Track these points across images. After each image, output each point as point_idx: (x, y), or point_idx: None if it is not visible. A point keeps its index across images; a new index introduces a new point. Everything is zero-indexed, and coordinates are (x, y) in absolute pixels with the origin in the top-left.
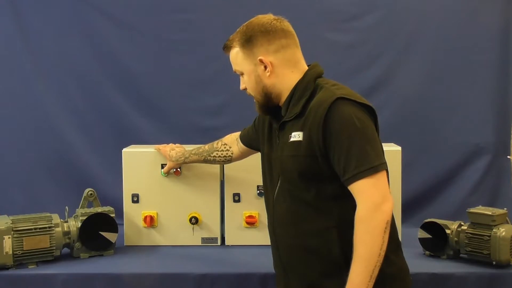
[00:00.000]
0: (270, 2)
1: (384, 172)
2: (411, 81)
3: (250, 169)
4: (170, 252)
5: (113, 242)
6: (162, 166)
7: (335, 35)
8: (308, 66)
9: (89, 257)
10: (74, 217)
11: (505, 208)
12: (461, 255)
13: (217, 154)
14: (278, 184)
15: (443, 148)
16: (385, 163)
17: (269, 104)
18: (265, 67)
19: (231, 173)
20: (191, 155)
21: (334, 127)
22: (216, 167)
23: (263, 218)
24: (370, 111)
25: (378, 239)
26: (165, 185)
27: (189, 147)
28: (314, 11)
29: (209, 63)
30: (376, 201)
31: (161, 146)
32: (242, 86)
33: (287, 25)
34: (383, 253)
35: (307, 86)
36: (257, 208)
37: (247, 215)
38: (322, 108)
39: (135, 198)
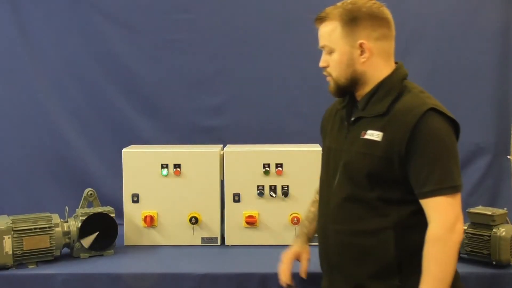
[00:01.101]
0: (270, 2)
1: (460, 194)
2: (411, 81)
3: (250, 169)
4: (170, 252)
5: (113, 242)
6: (162, 166)
7: None
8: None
9: (89, 257)
10: (74, 217)
11: (505, 208)
12: (461, 255)
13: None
14: (337, 179)
15: None
16: (462, 185)
17: (349, 89)
18: (362, 53)
19: (231, 173)
20: (310, 223)
21: (422, 137)
22: (216, 167)
23: (263, 218)
24: (456, 127)
25: (453, 259)
26: (165, 185)
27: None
28: (314, 11)
29: (209, 63)
30: (451, 221)
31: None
32: (323, 64)
33: (390, 15)
34: (454, 273)
35: (394, 86)
36: (257, 208)
37: (247, 215)
38: (412, 115)
39: (135, 198)
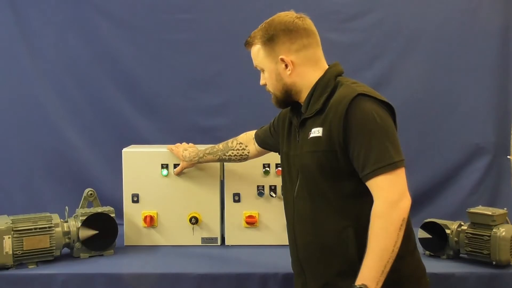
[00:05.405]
0: (270, 2)
1: (403, 169)
2: (411, 81)
3: (250, 169)
4: (170, 252)
5: (113, 242)
6: (162, 166)
7: (335, 35)
8: (328, 65)
9: (89, 257)
10: (74, 217)
11: (505, 208)
12: (461, 255)
13: (232, 153)
14: (298, 182)
15: (443, 148)
16: (404, 160)
17: (287, 100)
18: (286, 66)
19: (231, 173)
20: (205, 155)
21: (354, 122)
22: (216, 167)
23: (263, 218)
24: (390, 109)
25: (393, 236)
26: (165, 185)
27: (201, 147)
28: (314, 11)
29: (209, 63)
30: (393, 198)
31: (173, 146)
32: (262, 82)
33: (309, 23)
34: (396, 250)
35: (328, 84)
36: (257, 208)
37: (247, 215)
38: (343, 104)
39: (135, 198)
